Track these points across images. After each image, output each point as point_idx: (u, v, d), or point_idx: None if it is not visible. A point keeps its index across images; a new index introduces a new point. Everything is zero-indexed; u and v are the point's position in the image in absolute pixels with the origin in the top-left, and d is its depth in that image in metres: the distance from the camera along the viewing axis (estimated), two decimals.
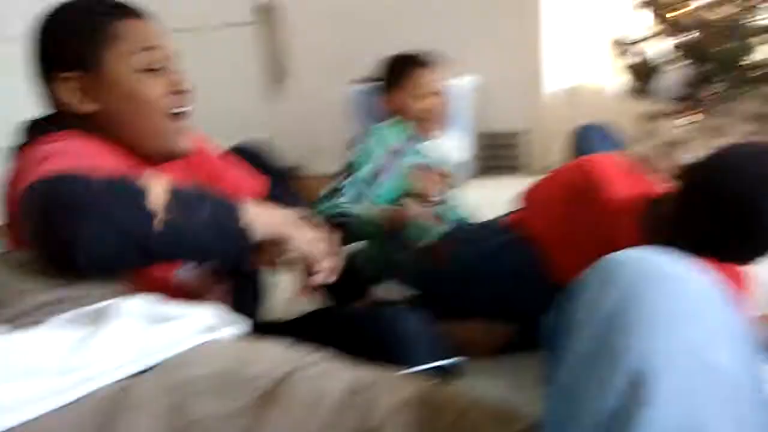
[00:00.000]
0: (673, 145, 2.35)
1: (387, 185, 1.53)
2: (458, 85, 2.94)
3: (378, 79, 1.85)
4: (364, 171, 1.51)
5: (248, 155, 1.25)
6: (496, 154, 3.33)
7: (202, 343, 0.68)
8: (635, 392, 0.42)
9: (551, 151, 3.21)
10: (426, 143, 1.78)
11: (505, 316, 1.24)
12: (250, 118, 3.84)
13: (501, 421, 0.56)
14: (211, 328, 0.70)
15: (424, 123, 1.75)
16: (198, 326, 0.70)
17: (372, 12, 3.32)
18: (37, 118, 0.96)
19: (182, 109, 0.97)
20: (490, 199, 1.65)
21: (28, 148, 0.88)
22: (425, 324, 0.98)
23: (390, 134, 1.64)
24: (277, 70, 3.70)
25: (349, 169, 1.54)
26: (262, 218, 0.78)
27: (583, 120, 3.08)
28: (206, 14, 3.74)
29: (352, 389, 0.62)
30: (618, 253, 0.56)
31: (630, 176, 1.18)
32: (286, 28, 3.66)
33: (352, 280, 1.35)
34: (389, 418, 0.58)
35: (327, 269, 0.85)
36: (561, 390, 0.48)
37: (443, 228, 1.43)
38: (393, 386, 0.62)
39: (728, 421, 0.41)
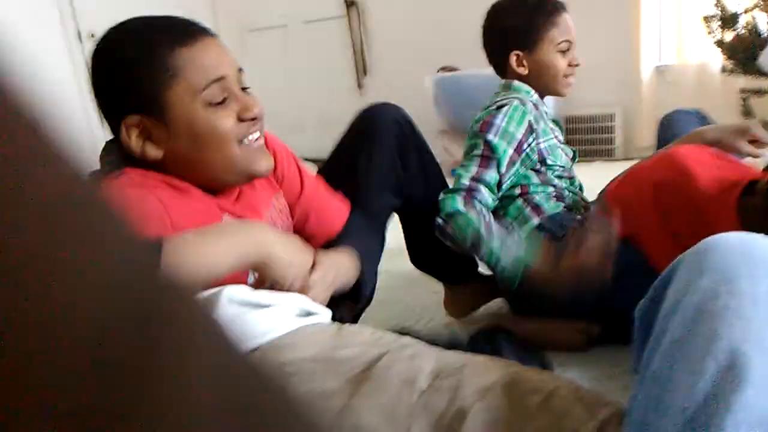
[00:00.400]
0: None
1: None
2: None
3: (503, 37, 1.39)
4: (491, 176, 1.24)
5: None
6: (587, 138, 3.23)
7: (297, 329, 0.71)
8: (728, 377, 0.42)
9: (649, 133, 3.08)
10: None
11: (599, 316, 1.20)
12: (338, 111, 3.93)
13: (588, 405, 0.57)
14: (306, 313, 0.74)
15: (566, 84, 1.40)
16: (294, 312, 0.73)
17: (449, 2, 3.30)
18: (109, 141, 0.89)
19: (256, 136, 0.89)
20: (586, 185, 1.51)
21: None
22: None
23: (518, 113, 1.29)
24: (361, 63, 3.76)
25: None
26: (237, 244, 0.74)
27: (681, 100, 2.96)
28: (297, 10, 3.85)
29: (441, 371, 0.65)
30: (709, 238, 0.55)
31: (720, 162, 1.12)
32: (369, 22, 3.70)
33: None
34: (478, 400, 0.59)
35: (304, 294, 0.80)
36: (652, 376, 0.48)
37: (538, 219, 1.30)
38: (481, 370, 0.64)
39: None
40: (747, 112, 2.32)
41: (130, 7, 3.90)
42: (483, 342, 1.03)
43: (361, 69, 3.74)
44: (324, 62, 3.90)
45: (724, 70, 2.36)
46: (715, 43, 2.32)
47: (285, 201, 1.03)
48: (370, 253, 1.10)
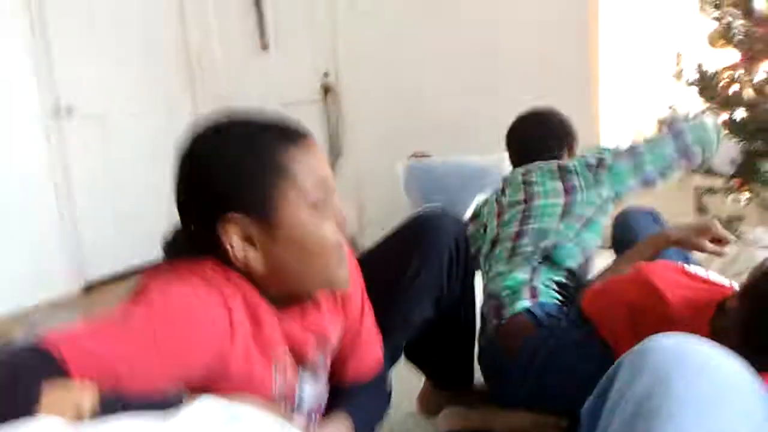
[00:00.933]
0: (728, 221, 2.32)
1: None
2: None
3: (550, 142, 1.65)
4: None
5: None
6: None
7: None
8: None
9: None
10: None
11: (564, 409, 1.21)
12: None
13: None
14: (282, 426, 0.70)
15: None
16: (271, 425, 0.68)
17: (422, 88, 3.46)
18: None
19: (345, 239, 0.85)
20: None
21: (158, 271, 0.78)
22: None
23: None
24: (335, 146, 3.86)
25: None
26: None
27: (642, 195, 3.08)
28: (275, 93, 3.98)
29: None
30: (647, 340, 0.58)
31: (689, 281, 1.16)
32: (344, 107, 3.84)
33: None
34: None
35: None
36: None
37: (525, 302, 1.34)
38: None
39: None
40: (701, 209, 2.43)
41: (113, 80, 3.98)
42: None
43: (336, 152, 3.84)
44: None
45: None
46: None
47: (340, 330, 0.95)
48: (371, 421, 1.02)
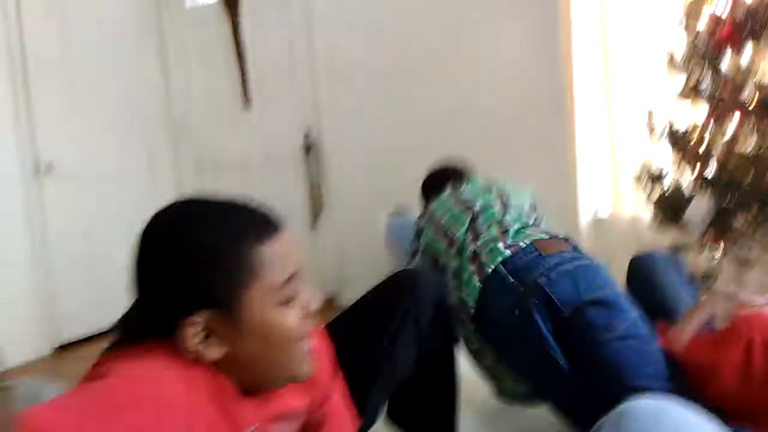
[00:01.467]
0: (703, 278, 2.35)
1: None
2: None
3: None
4: None
5: None
6: None
7: None
8: None
9: None
10: None
11: None
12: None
13: None
14: None
15: None
16: None
17: (402, 144, 3.51)
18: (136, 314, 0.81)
19: (312, 332, 0.84)
20: None
21: (108, 360, 0.74)
22: None
23: None
24: (316, 202, 3.87)
25: None
26: None
27: (617, 250, 3.13)
28: (259, 150, 4.01)
29: None
30: (627, 403, 0.58)
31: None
32: (327, 162, 3.87)
33: None
34: None
35: None
36: None
37: None
38: None
39: None
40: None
41: (94, 139, 3.99)
42: None
43: (317, 208, 3.86)
44: (280, 201, 4.01)
45: (654, 225, 2.53)
46: (646, 199, 2.51)
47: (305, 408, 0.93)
48: None
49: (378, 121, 3.61)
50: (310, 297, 0.83)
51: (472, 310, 1.43)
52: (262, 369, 0.79)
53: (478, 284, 1.43)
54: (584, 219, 3.21)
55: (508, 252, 1.44)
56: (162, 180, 3.99)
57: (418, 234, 1.81)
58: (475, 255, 1.49)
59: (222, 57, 4.05)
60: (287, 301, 0.79)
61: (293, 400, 0.88)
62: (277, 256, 0.78)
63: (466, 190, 1.80)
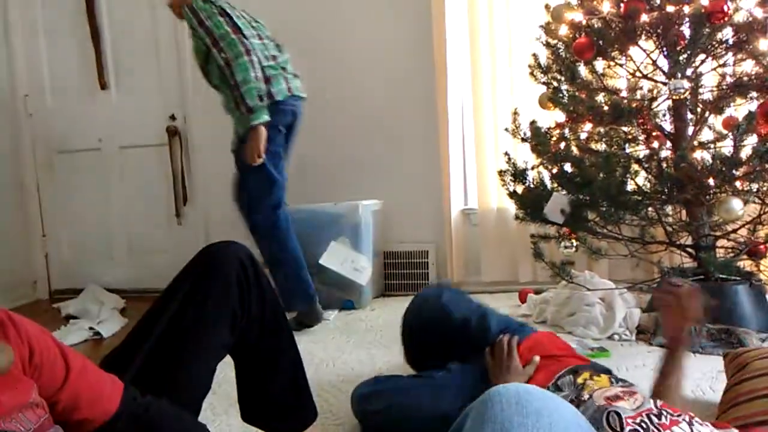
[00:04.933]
0: (561, 266, 2.51)
1: None
2: (364, 208, 3.05)
3: None
4: None
5: None
6: (403, 273, 3.40)
7: None
8: None
9: (456, 269, 3.33)
10: None
11: None
12: (153, 240, 3.76)
13: None
14: None
15: None
16: None
17: None
18: None
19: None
20: (396, 318, 1.65)
21: None
22: None
23: None
24: (180, 191, 3.68)
25: None
26: None
27: (485, 241, 3.27)
28: (119, 135, 3.74)
29: None
30: (492, 389, 0.58)
31: None
32: (192, 151, 3.69)
33: None
34: None
35: None
36: None
37: None
38: None
39: None
40: (538, 255, 2.61)
41: None
42: None
43: (181, 198, 3.66)
44: (140, 189, 3.78)
45: (517, 217, 2.66)
46: (508, 194, 2.63)
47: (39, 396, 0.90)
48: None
49: None
50: None
51: None
52: None
53: None
54: (455, 210, 3.33)
55: None
56: (8, 164, 3.65)
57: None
58: None
59: (77, 36, 3.75)
60: None
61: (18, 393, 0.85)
62: None
63: None
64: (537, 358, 1.43)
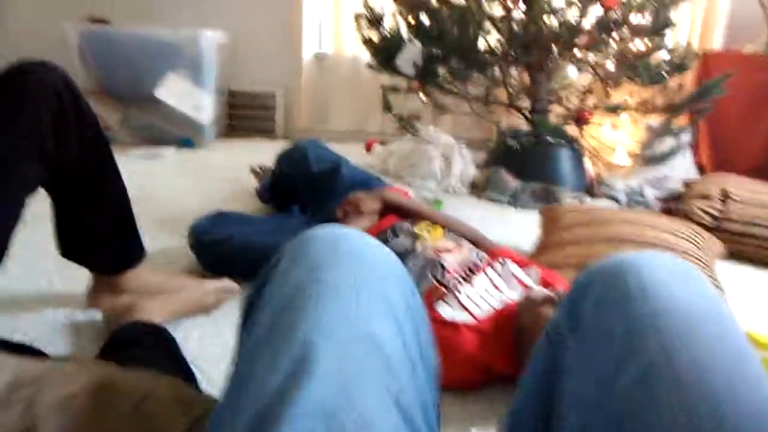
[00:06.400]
0: (408, 119, 2.53)
1: None
2: (206, 39, 2.79)
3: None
4: None
5: None
6: (248, 115, 3.25)
7: None
8: (299, 368, 0.41)
9: (304, 115, 3.24)
10: None
11: None
12: None
13: (183, 404, 0.53)
14: None
15: None
16: None
17: None
18: None
19: None
20: (239, 160, 1.60)
21: None
22: None
23: None
24: None
25: None
26: None
27: (337, 87, 3.18)
28: None
29: (18, 383, 0.54)
30: (308, 231, 0.55)
31: None
32: None
33: None
34: (49, 415, 0.51)
35: None
36: (233, 375, 0.46)
37: None
38: (64, 377, 0.55)
39: (381, 390, 0.41)
40: (387, 107, 2.60)
41: None
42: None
43: None
44: None
45: (370, 66, 2.59)
46: (362, 41, 2.54)
47: None
48: None
49: None
50: None
51: None
52: None
53: None
54: (307, 53, 3.17)
55: None
56: None
57: None
58: None
59: None
60: None
61: None
62: None
63: None
64: (377, 206, 1.46)
